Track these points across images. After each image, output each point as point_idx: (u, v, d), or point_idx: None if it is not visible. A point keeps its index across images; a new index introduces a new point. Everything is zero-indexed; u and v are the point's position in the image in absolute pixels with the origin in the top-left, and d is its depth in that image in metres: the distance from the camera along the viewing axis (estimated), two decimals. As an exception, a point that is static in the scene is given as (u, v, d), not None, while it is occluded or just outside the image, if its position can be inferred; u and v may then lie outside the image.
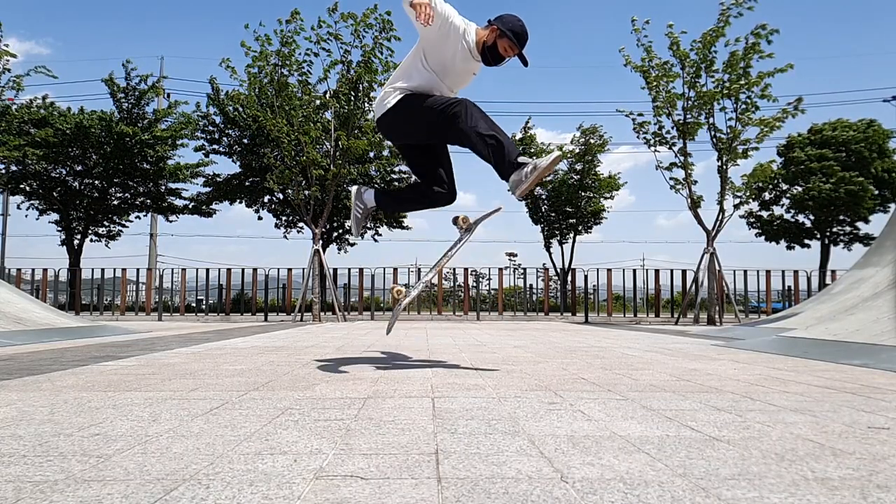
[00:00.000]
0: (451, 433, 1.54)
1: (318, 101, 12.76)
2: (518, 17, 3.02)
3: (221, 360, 3.53)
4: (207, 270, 15.43)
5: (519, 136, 22.22)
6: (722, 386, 2.48)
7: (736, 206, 11.49)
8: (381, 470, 1.20)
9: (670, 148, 11.55)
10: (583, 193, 21.62)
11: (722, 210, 11.34)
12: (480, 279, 21.89)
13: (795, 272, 14.49)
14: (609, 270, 14.25)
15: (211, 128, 19.69)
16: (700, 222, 11.48)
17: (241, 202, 20.83)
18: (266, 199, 20.80)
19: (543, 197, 22.31)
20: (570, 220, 22.34)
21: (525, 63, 2.99)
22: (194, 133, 19.31)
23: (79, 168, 18.62)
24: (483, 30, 2.98)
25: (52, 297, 15.88)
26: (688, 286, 13.02)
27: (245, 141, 19.42)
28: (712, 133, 11.29)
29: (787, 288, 14.55)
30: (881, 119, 26.49)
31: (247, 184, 20.00)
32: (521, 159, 2.77)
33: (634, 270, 14.72)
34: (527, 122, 22.18)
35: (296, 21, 11.17)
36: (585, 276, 15.07)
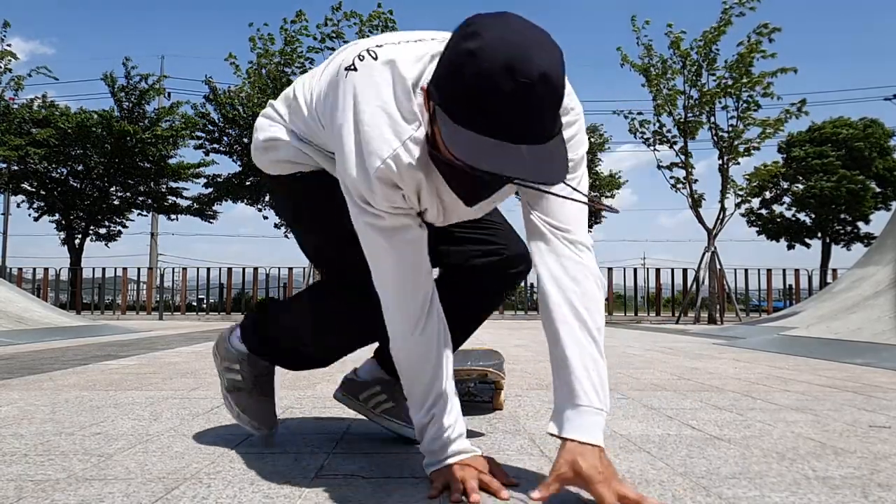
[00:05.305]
0: (452, 432, 1.54)
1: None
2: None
3: (222, 359, 3.52)
4: (208, 269, 15.45)
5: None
6: (723, 385, 2.48)
7: (737, 205, 11.48)
8: (382, 469, 1.20)
9: (671, 147, 11.54)
10: (583, 192, 21.59)
11: (723, 209, 11.33)
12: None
13: (796, 271, 14.48)
14: (610, 269, 14.23)
15: (210, 127, 19.69)
16: (701, 221, 11.47)
17: (242, 201, 20.83)
18: (267, 197, 20.80)
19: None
20: (571, 219, 22.32)
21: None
22: (193, 135, 19.31)
23: (80, 168, 18.62)
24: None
25: (54, 297, 15.88)
26: (689, 285, 13.00)
27: (245, 140, 19.40)
28: (713, 132, 11.28)
29: (788, 287, 14.54)
30: (882, 118, 26.37)
31: (247, 182, 20.01)
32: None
33: (635, 269, 14.70)
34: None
35: (301, 21, 11.20)
36: (586, 275, 15.02)
